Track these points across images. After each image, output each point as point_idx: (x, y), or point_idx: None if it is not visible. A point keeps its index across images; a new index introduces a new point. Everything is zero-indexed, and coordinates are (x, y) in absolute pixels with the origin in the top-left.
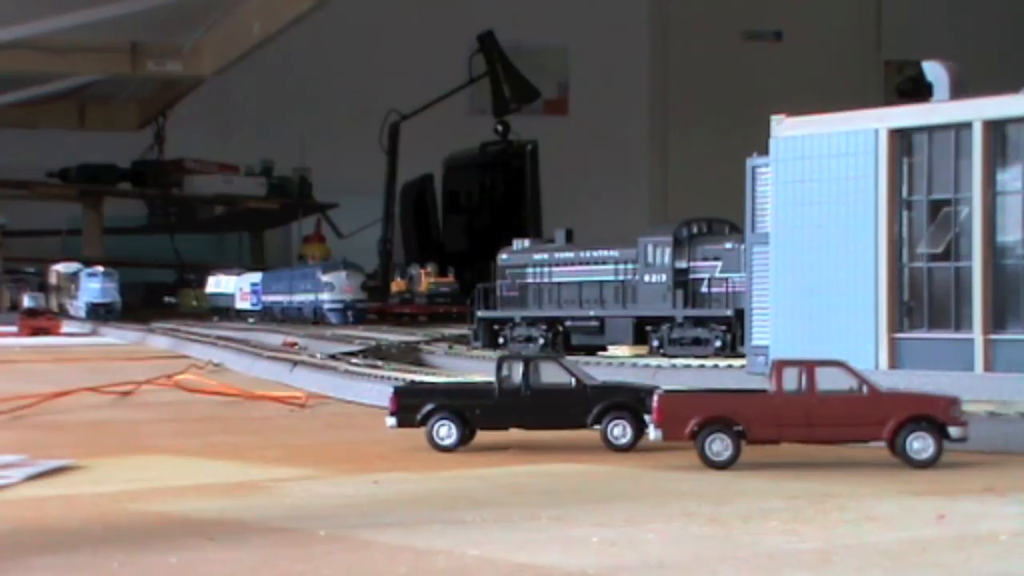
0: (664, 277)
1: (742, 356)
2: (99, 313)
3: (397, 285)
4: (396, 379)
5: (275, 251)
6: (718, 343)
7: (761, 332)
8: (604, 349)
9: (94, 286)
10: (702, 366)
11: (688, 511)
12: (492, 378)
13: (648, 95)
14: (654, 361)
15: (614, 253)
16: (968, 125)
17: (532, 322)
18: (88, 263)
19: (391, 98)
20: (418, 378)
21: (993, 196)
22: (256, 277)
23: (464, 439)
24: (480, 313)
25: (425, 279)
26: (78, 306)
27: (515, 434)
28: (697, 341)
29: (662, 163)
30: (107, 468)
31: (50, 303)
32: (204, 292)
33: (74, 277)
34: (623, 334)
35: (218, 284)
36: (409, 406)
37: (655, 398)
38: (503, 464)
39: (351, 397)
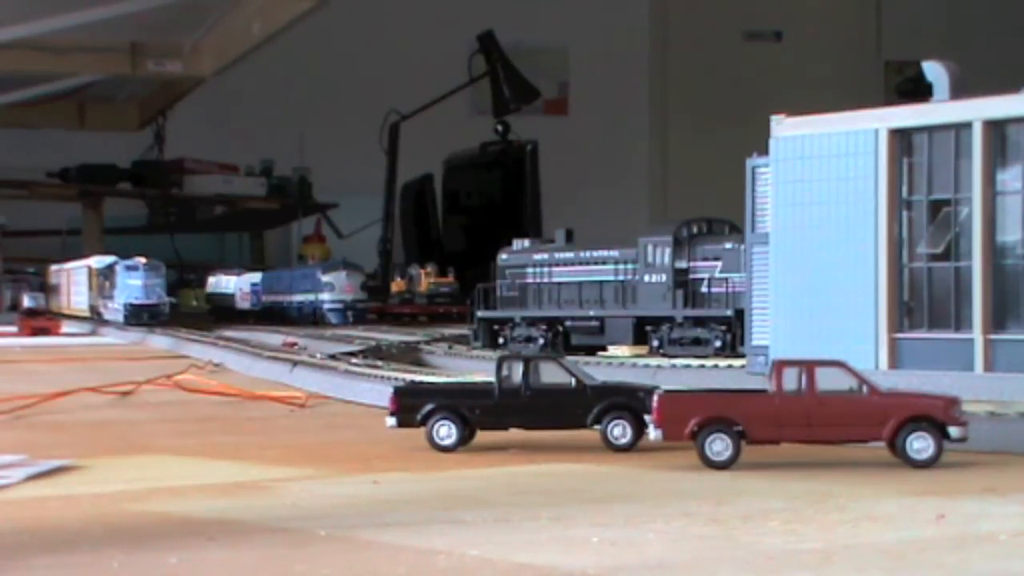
0: (664, 277)
1: (742, 356)
2: (142, 317)
3: (397, 285)
4: (396, 379)
5: (275, 251)
6: (718, 343)
7: (761, 332)
8: (604, 349)
9: (134, 283)
10: (702, 366)
11: (688, 511)
12: (492, 378)
13: (648, 95)
14: (654, 361)
15: (614, 253)
16: (968, 125)
17: (532, 322)
18: (125, 256)
19: (391, 98)
20: (418, 378)
21: (993, 196)
22: (256, 277)
23: (464, 439)
24: (480, 313)
25: (425, 279)
26: (115, 308)
27: (515, 434)
28: (697, 341)
29: (662, 163)
30: (107, 468)
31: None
32: (204, 292)
33: (109, 273)
34: (623, 334)
35: (218, 284)
36: (409, 406)
37: (655, 398)
38: (503, 464)
39: (351, 397)
